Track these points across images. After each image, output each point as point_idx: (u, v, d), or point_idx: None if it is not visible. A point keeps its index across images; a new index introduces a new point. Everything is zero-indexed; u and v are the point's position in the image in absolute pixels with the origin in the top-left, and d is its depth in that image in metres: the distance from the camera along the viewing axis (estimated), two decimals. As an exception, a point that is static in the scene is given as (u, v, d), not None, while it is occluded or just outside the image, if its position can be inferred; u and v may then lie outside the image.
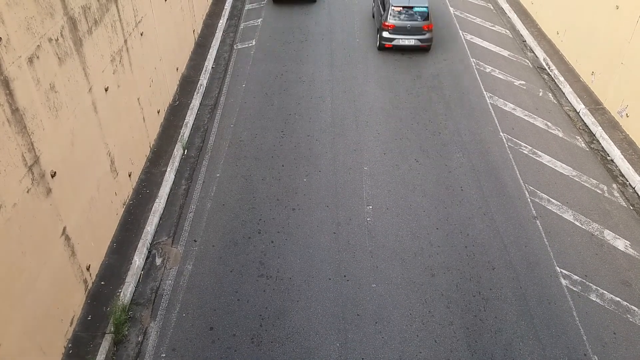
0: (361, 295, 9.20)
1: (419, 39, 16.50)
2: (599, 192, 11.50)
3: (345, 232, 10.44)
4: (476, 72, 15.88)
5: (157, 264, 9.84)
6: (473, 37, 17.95)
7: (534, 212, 10.92)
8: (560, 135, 13.28)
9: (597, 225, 10.64)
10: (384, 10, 16.86)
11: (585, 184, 11.70)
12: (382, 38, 16.64)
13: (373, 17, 19.04)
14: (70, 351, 8.02)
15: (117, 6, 10.35)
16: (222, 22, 18.72)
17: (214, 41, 17.35)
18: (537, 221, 10.71)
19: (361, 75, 15.76)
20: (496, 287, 9.38)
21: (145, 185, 11.29)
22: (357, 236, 10.34)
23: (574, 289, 9.37)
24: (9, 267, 6.62)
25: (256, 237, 10.33)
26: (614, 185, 11.68)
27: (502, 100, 14.59)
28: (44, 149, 7.48)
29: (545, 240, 10.29)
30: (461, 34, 18.12)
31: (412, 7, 16.43)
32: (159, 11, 13.17)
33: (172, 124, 13.26)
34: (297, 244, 10.19)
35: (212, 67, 16.20)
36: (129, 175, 10.82)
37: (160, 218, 10.74)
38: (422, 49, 16.91)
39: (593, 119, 13.53)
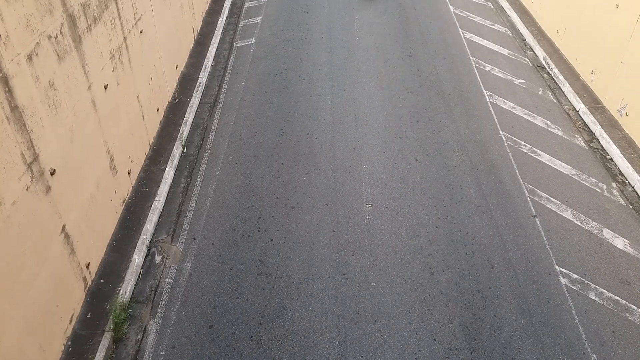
0: (360, 294, 9.21)
1: None
2: (599, 190, 11.51)
3: (344, 230, 10.44)
4: (476, 71, 15.88)
5: (157, 261, 9.83)
6: (473, 35, 17.94)
7: (533, 210, 10.92)
8: (560, 134, 13.28)
9: (596, 223, 10.65)
10: None
11: (584, 182, 11.71)
12: None
13: None
14: (70, 349, 8.02)
15: (116, 4, 10.33)
16: (222, 20, 18.69)
17: (213, 39, 17.33)
18: (537, 220, 10.72)
19: (361, 74, 15.74)
20: (495, 285, 9.39)
21: (145, 183, 11.28)
22: (357, 234, 10.34)
23: (573, 287, 9.38)
24: (8, 265, 6.62)
25: (256, 235, 10.33)
26: (614, 184, 11.69)
27: (501, 99, 14.58)
28: (43, 147, 7.47)
29: (544, 238, 10.30)
30: (461, 33, 18.10)
31: None
32: (159, 9, 13.15)
33: (171, 122, 13.25)
34: (297, 242, 10.18)
35: (211, 65, 16.18)
36: (129, 173, 10.81)
37: (160, 216, 10.74)
38: None
39: (592, 118, 13.54)
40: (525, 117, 13.86)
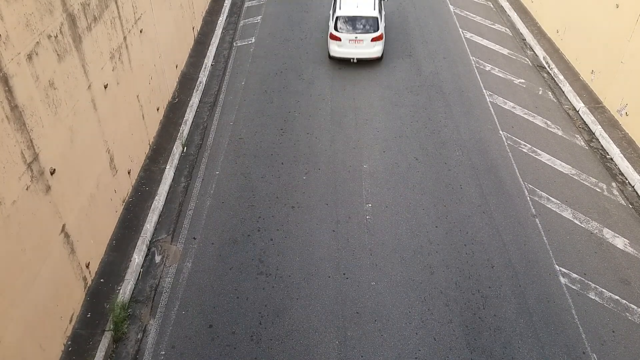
0: (360, 293, 9.21)
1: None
2: (598, 190, 11.50)
3: (344, 230, 10.44)
4: (476, 71, 15.87)
5: (157, 261, 9.83)
6: (473, 35, 17.94)
7: (533, 210, 10.92)
8: (560, 133, 13.28)
9: (596, 223, 10.65)
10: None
11: (584, 182, 11.71)
12: None
13: None
14: (70, 348, 8.02)
15: (116, 3, 10.32)
16: (222, 20, 18.68)
17: (213, 38, 17.32)
18: (537, 219, 10.72)
19: (361, 73, 15.73)
20: (495, 285, 9.39)
21: (145, 183, 11.27)
22: (357, 234, 10.34)
23: (573, 287, 9.39)
24: (8, 265, 6.62)
25: (255, 235, 10.33)
26: (613, 184, 11.69)
27: (501, 98, 14.58)
28: (43, 146, 7.47)
29: (544, 238, 10.30)
30: (461, 32, 18.10)
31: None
32: (159, 8, 13.15)
33: (171, 122, 13.24)
34: (297, 241, 10.18)
35: (211, 65, 16.18)
36: (128, 173, 10.81)
37: (160, 216, 10.73)
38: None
39: (592, 118, 13.53)
40: (525, 116, 13.85)
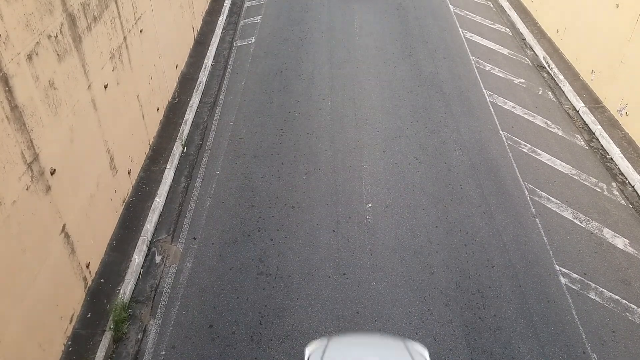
0: (360, 293, 9.21)
1: None
2: (599, 190, 11.51)
3: (344, 230, 10.44)
4: (476, 70, 15.87)
5: (157, 261, 9.83)
6: (473, 35, 17.94)
7: (534, 210, 10.92)
8: (560, 133, 13.28)
9: (596, 223, 10.65)
10: None
11: (584, 182, 11.71)
12: None
13: None
14: (70, 349, 8.02)
15: (116, 3, 10.32)
16: (222, 20, 18.68)
17: (213, 38, 17.33)
18: (537, 219, 10.72)
19: (361, 73, 15.74)
20: (495, 285, 9.39)
21: (145, 183, 11.28)
22: (357, 234, 10.34)
23: (573, 287, 9.39)
24: (8, 265, 6.61)
25: (256, 235, 10.33)
26: (614, 184, 11.69)
27: (501, 98, 14.58)
28: (43, 146, 7.47)
29: (544, 238, 10.30)
30: (461, 32, 18.10)
31: None
32: (159, 8, 13.15)
33: (171, 122, 13.24)
34: (297, 241, 10.18)
35: (211, 65, 16.18)
36: (129, 173, 10.81)
37: (160, 216, 10.73)
38: None
39: (592, 118, 13.54)
40: (525, 116, 13.86)
